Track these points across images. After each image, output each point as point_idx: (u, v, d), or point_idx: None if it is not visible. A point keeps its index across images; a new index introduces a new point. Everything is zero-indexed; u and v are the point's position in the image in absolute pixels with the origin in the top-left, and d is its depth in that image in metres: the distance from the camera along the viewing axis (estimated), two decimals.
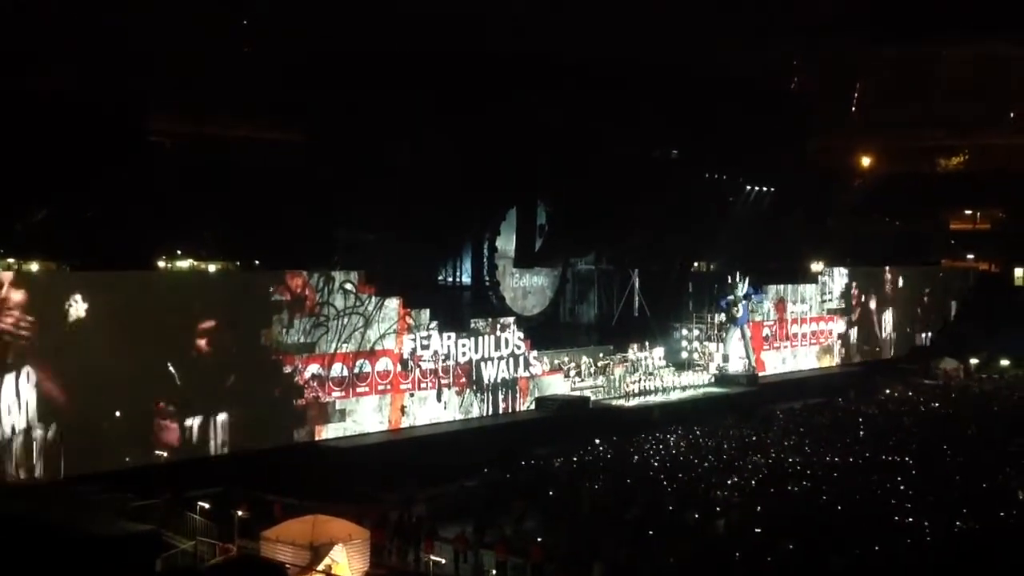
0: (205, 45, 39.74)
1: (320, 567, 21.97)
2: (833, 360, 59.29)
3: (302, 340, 34.25)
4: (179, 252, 34.88)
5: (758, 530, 26.44)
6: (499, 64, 43.42)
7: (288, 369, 33.90)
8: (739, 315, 50.99)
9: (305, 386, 34.37)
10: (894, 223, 71.43)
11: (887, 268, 64.47)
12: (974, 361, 60.45)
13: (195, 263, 34.58)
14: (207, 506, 24.97)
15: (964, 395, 52.16)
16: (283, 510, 25.93)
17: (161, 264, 33.83)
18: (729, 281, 51.26)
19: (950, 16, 60.10)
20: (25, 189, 32.82)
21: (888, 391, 52.59)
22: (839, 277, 60.05)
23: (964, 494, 30.28)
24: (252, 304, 33.28)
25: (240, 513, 24.56)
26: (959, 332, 66.03)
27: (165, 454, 28.15)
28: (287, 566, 21.94)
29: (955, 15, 59.73)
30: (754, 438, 39.03)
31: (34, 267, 30.71)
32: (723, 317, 51.03)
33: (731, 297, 51.01)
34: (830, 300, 59.21)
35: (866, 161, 75.53)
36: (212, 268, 34.49)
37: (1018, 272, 73.58)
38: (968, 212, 77.21)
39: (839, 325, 59.45)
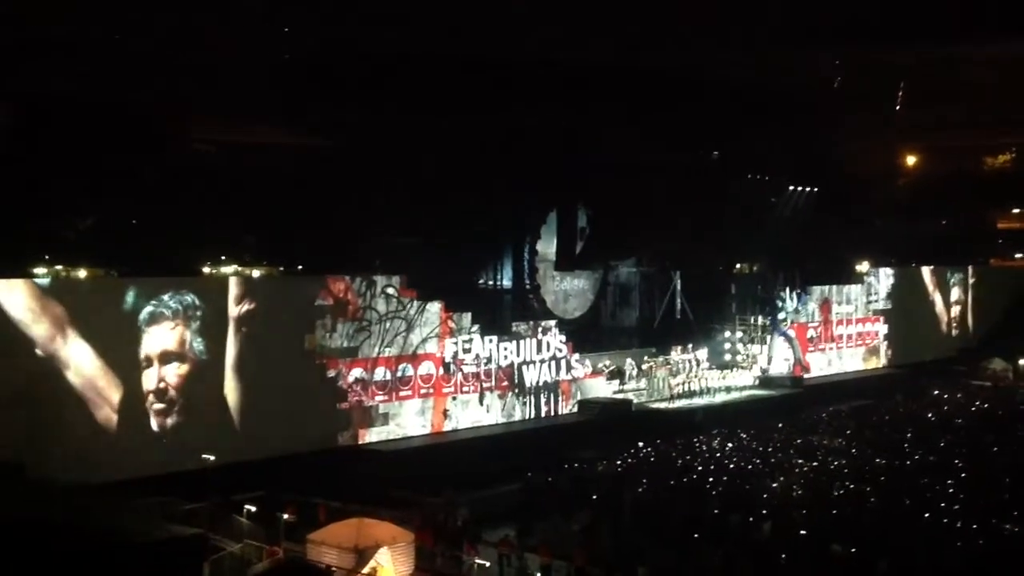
0: (245, 52, 40.08)
1: (365, 570, 22.05)
2: (880, 362, 58.62)
3: (345, 344, 34.45)
4: (223, 258, 35.14)
5: (804, 533, 26.21)
6: (539, 70, 43.37)
7: (332, 373, 34.11)
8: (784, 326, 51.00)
9: (349, 390, 34.56)
10: (940, 223, 70.46)
11: (933, 268, 63.71)
12: (1023, 362, 59.47)
13: (239, 268, 34.84)
14: (253, 509, 25.14)
15: (1013, 396, 51.38)
16: (327, 513, 26.04)
17: (206, 270, 34.12)
18: (778, 302, 51.14)
19: (981, 17, 59.36)
20: (71, 198, 33.25)
21: (936, 393, 51.93)
22: (885, 278, 59.37)
23: (1014, 497, 29.80)
24: (297, 308, 33.55)
25: (286, 516, 24.71)
26: (1008, 333, 65.03)
27: (212, 457, 28.39)
28: (332, 569, 22.05)
29: (987, 16, 58.97)
30: (799, 441, 38.68)
31: (82, 274, 31.10)
32: (768, 320, 50.83)
33: (782, 316, 50.85)
34: (876, 301, 58.55)
35: (911, 160, 74.64)
36: (256, 273, 34.73)
37: None
38: (1016, 211, 76.05)
39: (885, 326, 58.79)
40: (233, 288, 32.18)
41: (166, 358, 30.14)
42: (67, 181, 31.53)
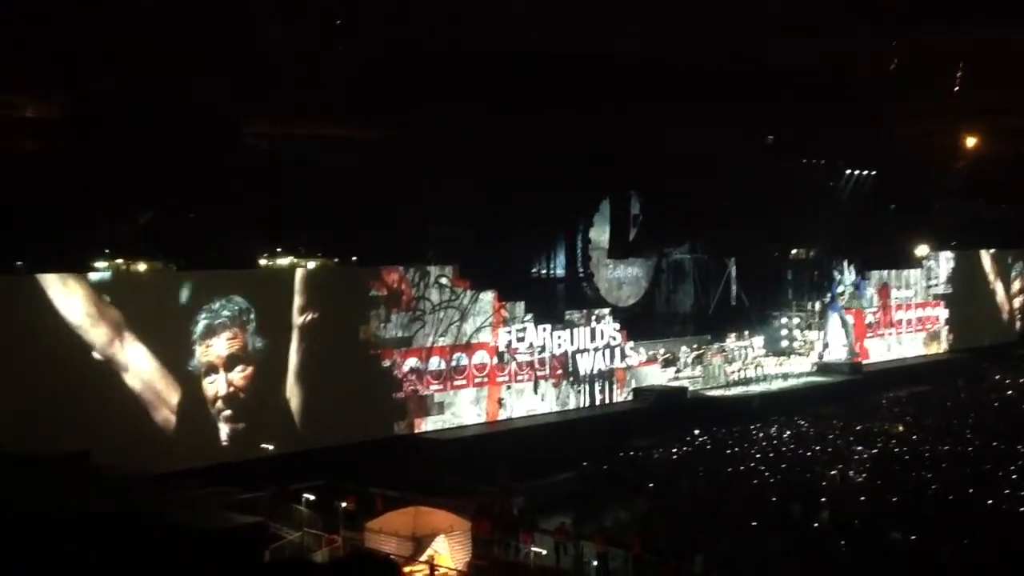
0: (293, 46, 40.35)
1: (423, 558, 22.18)
2: (940, 347, 57.69)
3: (400, 334, 34.66)
4: (279, 250, 35.54)
5: (864, 521, 25.91)
6: (592, 63, 43.13)
7: (387, 363, 34.34)
8: (840, 302, 50.46)
9: (404, 379, 34.78)
10: (1001, 206, 69.02)
11: (994, 252, 62.54)
12: None
13: (294, 260, 35.22)
14: (312, 498, 25.40)
15: None
16: (385, 502, 26.22)
17: (262, 262, 34.54)
18: (836, 274, 50.60)
19: None
20: (130, 193, 33.76)
21: (998, 378, 51.00)
22: (944, 262, 58.41)
23: None
24: (351, 299, 33.84)
25: (344, 505, 24.93)
26: None
27: (271, 447, 28.78)
28: (391, 557, 22.20)
29: None
30: (858, 428, 38.22)
31: (141, 267, 31.64)
32: (826, 300, 50.36)
33: (840, 289, 50.33)
34: (936, 285, 57.62)
35: (970, 143, 73.14)
36: (311, 265, 35.08)
37: None
38: None
39: (945, 311, 57.84)
40: (290, 280, 32.57)
41: (228, 364, 30.63)
42: (125, 178, 31.99)
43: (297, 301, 32.38)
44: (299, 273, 33.18)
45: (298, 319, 32.22)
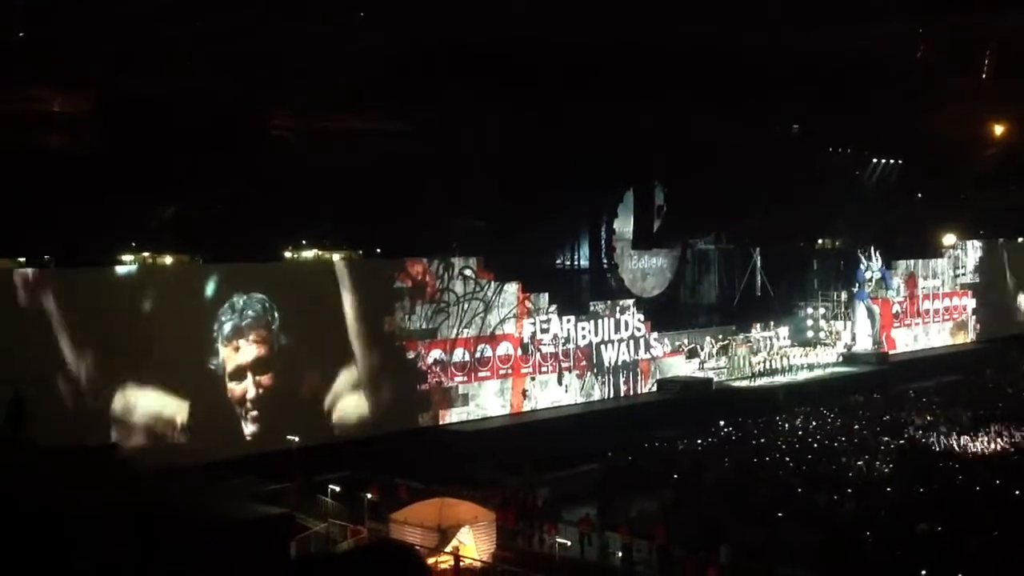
0: (317, 40, 40.38)
1: (448, 548, 22.24)
2: (967, 336, 57.23)
3: (424, 326, 34.74)
4: (304, 242, 35.66)
5: (891, 512, 25.76)
6: (615, 53, 42.92)
7: (411, 355, 34.42)
8: (867, 290, 50.24)
9: (428, 371, 34.85)
10: None
11: (1020, 240, 61.95)
12: None
13: (319, 253, 35.34)
14: (337, 489, 25.52)
15: None
16: (409, 493, 26.33)
17: (287, 254, 34.68)
18: (862, 264, 50.40)
19: None
20: (156, 187, 33.95)
21: None
22: (972, 251, 57.88)
23: None
24: (375, 291, 33.93)
25: (369, 496, 25.04)
26: None
27: (296, 439, 28.91)
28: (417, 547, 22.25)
29: None
30: (885, 418, 37.99)
31: (167, 260, 31.83)
32: (852, 289, 50.08)
33: (868, 275, 50.12)
34: (963, 274, 57.13)
35: (999, 130, 72.33)
36: (335, 257, 35.19)
37: None
38: None
39: (972, 300, 57.36)
40: (315, 272, 32.71)
41: (254, 360, 30.77)
42: (149, 174, 32.17)
43: (322, 293, 32.50)
44: (324, 265, 33.28)
45: (323, 311, 32.33)
